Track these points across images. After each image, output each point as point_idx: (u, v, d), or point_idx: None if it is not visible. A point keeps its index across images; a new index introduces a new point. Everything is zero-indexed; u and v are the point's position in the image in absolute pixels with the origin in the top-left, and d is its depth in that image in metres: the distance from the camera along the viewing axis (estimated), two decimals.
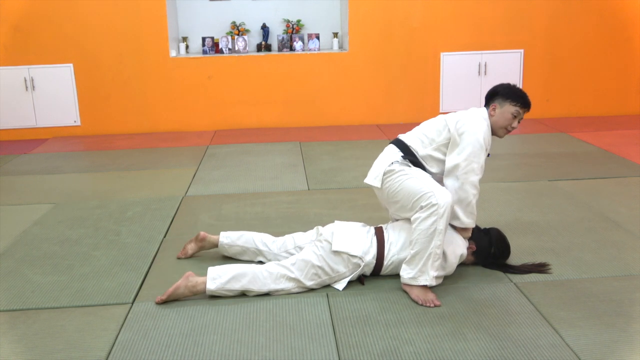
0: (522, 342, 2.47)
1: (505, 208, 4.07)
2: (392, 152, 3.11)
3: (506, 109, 3.05)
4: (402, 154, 3.06)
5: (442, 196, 2.80)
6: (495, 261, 3.14)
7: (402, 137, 3.16)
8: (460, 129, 2.97)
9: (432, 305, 2.77)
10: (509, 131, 3.10)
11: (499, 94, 3.09)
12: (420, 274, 2.82)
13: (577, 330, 2.55)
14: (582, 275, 3.06)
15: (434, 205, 2.79)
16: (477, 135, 2.95)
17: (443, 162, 3.04)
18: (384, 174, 3.03)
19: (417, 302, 2.80)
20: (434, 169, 3.06)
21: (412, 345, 2.47)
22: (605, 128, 6.53)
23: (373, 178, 3.11)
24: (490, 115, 3.08)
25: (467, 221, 3.00)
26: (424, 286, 2.84)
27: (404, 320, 2.66)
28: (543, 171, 4.95)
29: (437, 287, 2.93)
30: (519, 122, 3.09)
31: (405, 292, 2.89)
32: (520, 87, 7.03)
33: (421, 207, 2.83)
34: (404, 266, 2.89)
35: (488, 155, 3.13)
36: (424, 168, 3.05)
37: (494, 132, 3.09)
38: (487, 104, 3.14)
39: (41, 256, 3.46)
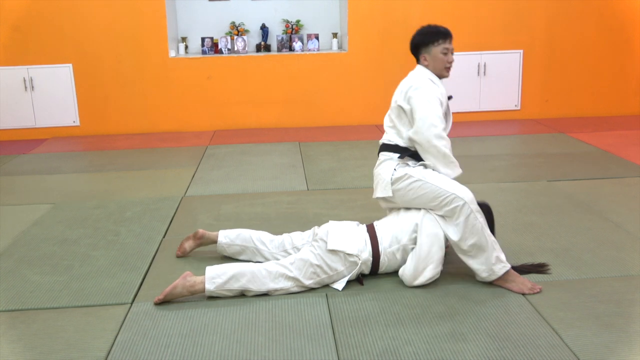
0: (521, 343, 2.47)
1: (504, 208, 4.07)
2: (387, 159, 3.14)
3: (434, 52, 3.09)
4: (397, 155, 3.09)
5: (463, 193, 2.90)
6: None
7: (382, 141, 3.21)
8: (408, 96, 3.07)
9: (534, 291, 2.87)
10: (449, 67, 3.12)
11: (419, 44, 3.12)
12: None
13: (576, 330, 2.55)
14: (581, 275, 3.06)
15: (458, 205, 2.87)
16: (420, 91, 3.02)
17: None
18: (392, 182, 3.06)
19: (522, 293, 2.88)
20: None
21: (411, 345, 2.47)
22: (604, 128, 6.53)
23: (382, 190, 3.11)
24: (426, 67, 3.13)
25: (448, 171, 3.03)
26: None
27: (403, 321, 2.66)
28: (542, 171, 4.95)
29: (434, 286, 2.94)
30: (452, 53, 3.11)
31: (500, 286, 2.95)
32: (520, 87, 7.13)
33: (446, 208, 2.90)
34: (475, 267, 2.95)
35: (450, 97, 3.17)
36: (416, 153, 3.08)
37: (440, 76, 3.14)
38: (417, 59, 3.18)
39: (40, 256, 3.46)
